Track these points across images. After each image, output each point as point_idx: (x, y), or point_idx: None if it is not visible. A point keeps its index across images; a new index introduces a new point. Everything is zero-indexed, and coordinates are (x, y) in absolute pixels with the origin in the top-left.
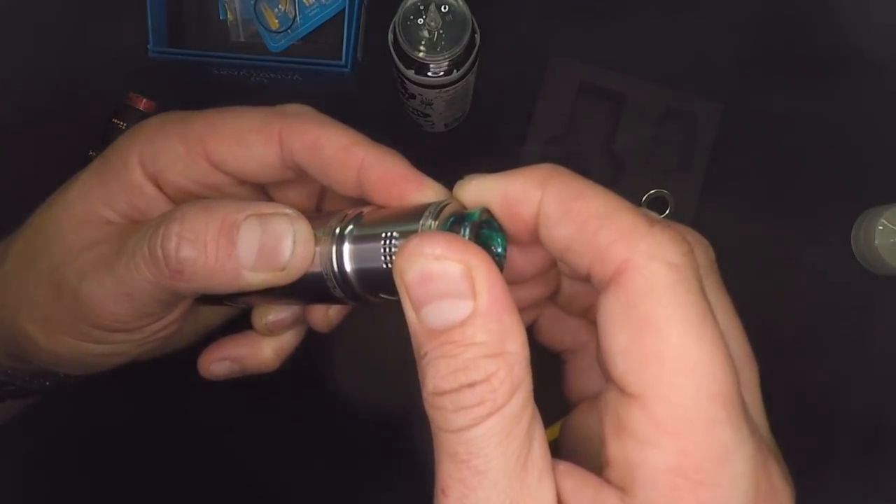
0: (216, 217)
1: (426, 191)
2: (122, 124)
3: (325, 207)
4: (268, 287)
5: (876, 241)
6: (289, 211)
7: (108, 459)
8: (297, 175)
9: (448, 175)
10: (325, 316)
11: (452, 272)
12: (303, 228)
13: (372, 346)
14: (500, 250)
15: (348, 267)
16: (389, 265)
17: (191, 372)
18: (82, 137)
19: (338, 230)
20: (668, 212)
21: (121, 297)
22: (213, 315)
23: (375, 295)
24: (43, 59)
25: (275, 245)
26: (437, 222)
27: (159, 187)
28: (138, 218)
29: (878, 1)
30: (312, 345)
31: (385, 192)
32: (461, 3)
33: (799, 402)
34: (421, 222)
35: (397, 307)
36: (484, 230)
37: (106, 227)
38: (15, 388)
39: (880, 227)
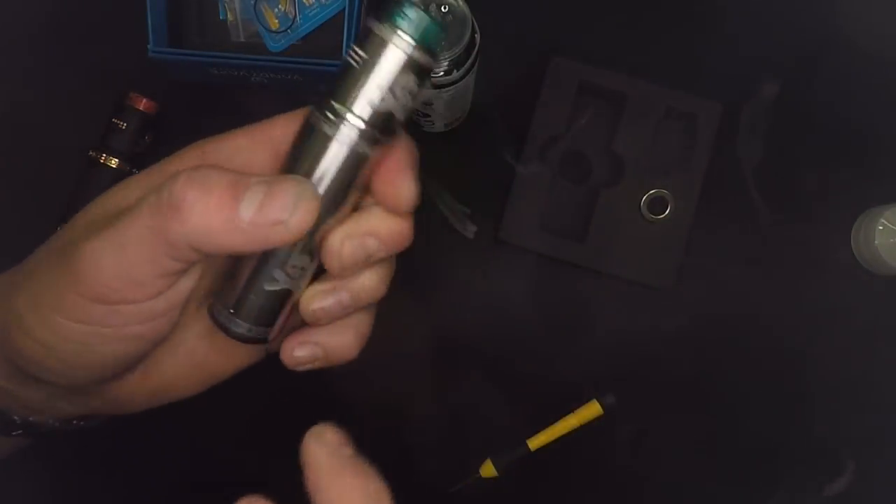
0: (230, 174)
1: None
2: (122, 124)
3: None
4: (271, 245)
5: (876, 241)
6: (298, 177)
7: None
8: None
9: (448, 175)
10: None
11: None
12: (308, 187)
13: (373, 344)
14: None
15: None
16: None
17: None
18: (82, 137)
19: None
20: (668, 211)
21: (114, 247)
22: (221, 363)
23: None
24: (43, 59)
25: (279, 200)
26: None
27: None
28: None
29: (879, 1)
30: None
31: None
32: (461, 3)
33: (799, 401)
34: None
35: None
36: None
37: None
38: (46, 430)
39: (880, 227)
